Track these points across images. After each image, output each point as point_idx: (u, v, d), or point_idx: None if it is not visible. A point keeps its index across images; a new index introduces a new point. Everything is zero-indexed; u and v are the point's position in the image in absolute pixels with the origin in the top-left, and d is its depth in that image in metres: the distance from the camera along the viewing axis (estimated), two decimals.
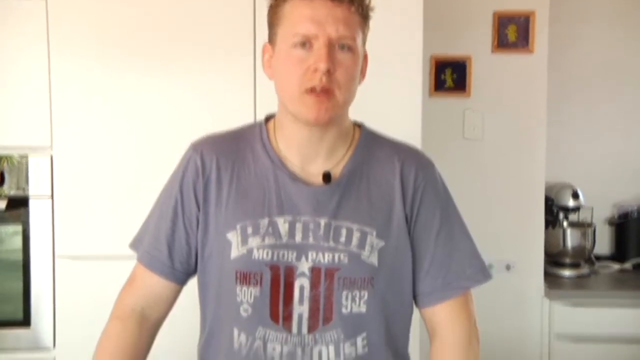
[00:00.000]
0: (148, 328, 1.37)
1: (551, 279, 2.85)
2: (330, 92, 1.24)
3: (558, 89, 2.98)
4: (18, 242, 2.32)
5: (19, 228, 2.32)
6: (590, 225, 2.95)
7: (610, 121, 3.11)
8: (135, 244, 1.40)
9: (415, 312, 1.39)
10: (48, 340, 2.32)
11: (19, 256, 2.32)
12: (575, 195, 2.91)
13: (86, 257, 2.27)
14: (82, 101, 2.25)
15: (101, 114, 2.25)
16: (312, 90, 1.23)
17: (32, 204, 2.29)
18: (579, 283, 2.86)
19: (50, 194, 2.28)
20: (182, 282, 1.38)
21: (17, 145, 2.28)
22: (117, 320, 1.36)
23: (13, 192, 2.32)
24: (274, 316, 1.27)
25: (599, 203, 3.03)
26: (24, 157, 2.29)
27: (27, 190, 2.29)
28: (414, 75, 2.23)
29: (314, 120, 1.25)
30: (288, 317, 1.27)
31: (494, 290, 2.02)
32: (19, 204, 2.31)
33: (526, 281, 2.80)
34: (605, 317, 2.69)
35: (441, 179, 1.38)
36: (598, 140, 3.11)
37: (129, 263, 1.41)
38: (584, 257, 2.94)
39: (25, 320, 2.32)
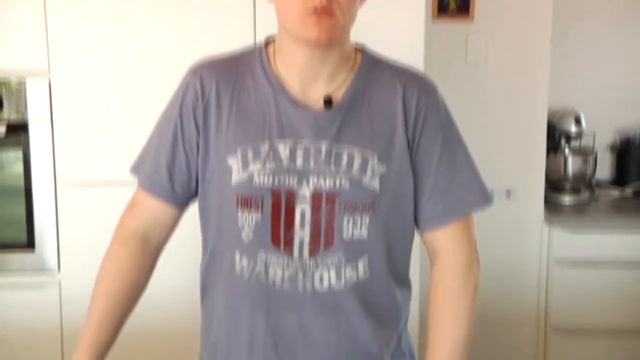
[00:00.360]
0: (150, 251, 1.38)
1: (551, 206, 2.86)
2: (331, 12, 1.21)
3: (563, 14, 2.92)
4: (19, 167, 2.32)
5: (19, 153, 2.32)
6: (591, 151, 2.94)
7: (615, 46, 3.07)
8: (135, 168, 1.40)
9: (416, 236, 1.40)
10: (53, 264, 2.35)
11: (21, 181, 2.33)
12: (578, 121, 2.90)
13: (88, 183, 2.28)
14: (79, 24, 2.21)
15: (98, 37, 2.22)
16: (312, 11, 1.20)
17: (32, 129, 2.29)
18: (579, 209, 2.88)
19: (49, 119, 2.27)
20: (182, 205, 1.38)
21: (14, 68, 2.25)
22: (119, 244, 1.37)
23: (13, 117, 2.30)
24: (275, 240, 1.28)
25: (601, 128, 3.02)
26: (22, 83, 2.27)
27: (26, 115, 2.28)
28: None
29: (315, 41, 1.23)
30: (289, 242, 1.27)
31: (494, 216, 2.03)
32: (19, 130, 2.30)
33: (526, 207, 2.82)
34: (604, 242, 2.72)
35: (444, 103, 1.37)
36: (602, 65, 3.07)
37: (131, 189, 1.41)
38: (584, 183, 2.95)
39: (29, 244, 2.35)
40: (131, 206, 1.39)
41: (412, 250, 1.40)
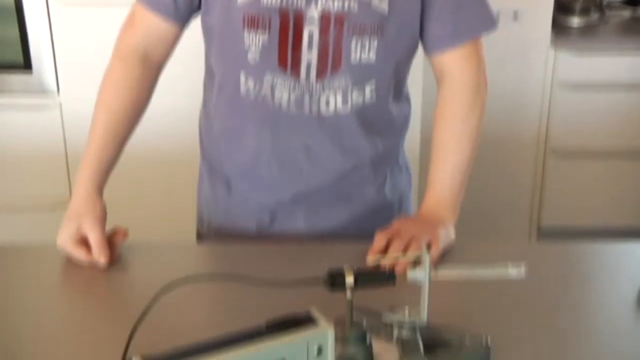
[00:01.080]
0: (150, 67, 1.34)
1: (559, 28, 2.79)
2: None
3: None
4: None
5: None
6: None
7: None
8: None
9: (420, 55, 1.36)
10: (52, 85, 2.33)
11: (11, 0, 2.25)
12: None
13: (81, 2, 2.21)
14: None
15: None
16: None
17: None
18: (587, 31, 2.81)
19: None
20: (184, 21, 1.32)
21: None
22: (119, 60, 1.33)
23: None
24: (282, 62, 1.25)
25: None
26: None
27: None
28: None
29: None
30: (296, 64, 1.24)
31: (500, 39, 1.97)
32: None
33: (533, 30, 2.74)
34: (610, 65, 2.68)
35: None
36: None
37: (127, 9, 1.35)
38: (594, 3, 2.85)
39: (26, 65, 2.31)
40: (130, 21, 1.34)
41: (416, 71, 1.38)
